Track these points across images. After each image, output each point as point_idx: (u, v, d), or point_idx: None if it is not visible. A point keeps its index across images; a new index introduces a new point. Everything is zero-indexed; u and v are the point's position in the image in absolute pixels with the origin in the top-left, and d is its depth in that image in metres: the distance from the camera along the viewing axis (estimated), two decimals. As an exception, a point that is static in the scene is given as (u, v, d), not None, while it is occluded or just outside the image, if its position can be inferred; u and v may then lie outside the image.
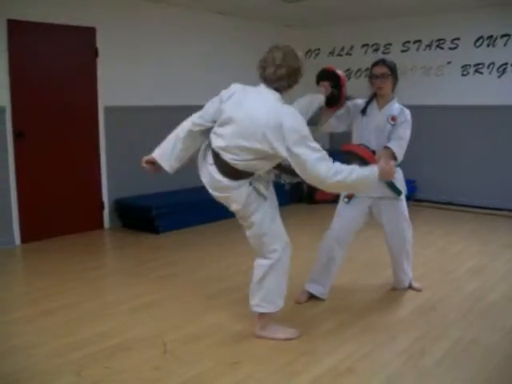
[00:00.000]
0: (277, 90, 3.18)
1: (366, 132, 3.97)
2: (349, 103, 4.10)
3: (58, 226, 6.13)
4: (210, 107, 3.34)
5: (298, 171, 3.09)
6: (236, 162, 3.15)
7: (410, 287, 4.39)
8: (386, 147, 3.87)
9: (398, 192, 3.99)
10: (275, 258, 3.36)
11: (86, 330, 3.63)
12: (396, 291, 4.37)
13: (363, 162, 3.68)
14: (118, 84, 6.53)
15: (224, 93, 3.28)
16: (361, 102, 4.10)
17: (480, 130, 7.43)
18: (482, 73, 7.40)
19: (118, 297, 4.31)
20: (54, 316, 3.88)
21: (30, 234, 5.89)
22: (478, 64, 7.41)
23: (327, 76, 3.94)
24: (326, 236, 4.13)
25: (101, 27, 6.30)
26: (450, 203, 7.66)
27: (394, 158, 3.84)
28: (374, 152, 3.81)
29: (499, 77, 7.25)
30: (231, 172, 3.19)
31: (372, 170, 3.23)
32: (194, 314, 3.90)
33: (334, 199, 7.98)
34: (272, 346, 3.38)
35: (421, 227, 5.81)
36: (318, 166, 3.04)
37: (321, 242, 4.16)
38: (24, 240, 5.85)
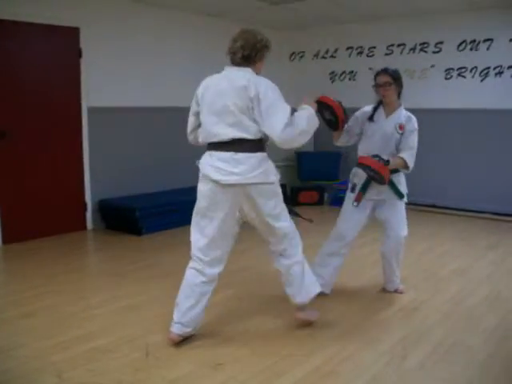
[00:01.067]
0: (235, 63, 3.36)
1: (373, 139, 4.10)
2: (357, 113, 4.25)
3: (40, 227, 6.08)
4: None
5: None
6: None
7: (396, 291, 4.43)
8: (399, 157, 4.04)
9: (400, 195, 4.16)
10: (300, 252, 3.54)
11: (68, 331, 3.60)
12: (379, 293, 4.39)
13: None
14: (101, 85, 6.49)
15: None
16: (368, 109, 4.23)
17: (464, 134, 7.49)
18: (464, 76, 7.46)
19: (101, 298, 4.27)
20: (36, 318, 3.84)
21: (11, 235, 5.83)
22: (461, 68, 7.47)
23: (322, 106, 3.92)
24: (332, 235, 4.30)
25: (85, 27, 6.26)
26: (433, 206, 7.70)
27: (406, 167, 4.07)
28: (388, 161, 3.92)
29: (482, 81, 7.32)
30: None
31: (308, 110, 3.33)
32: (177, 315, 3.88)
33: (317, 201, 8.13)
34: (255, 347, 3.37)
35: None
36: None
37: (326, 239, 4.31)
38: (5, 241, 5.79)
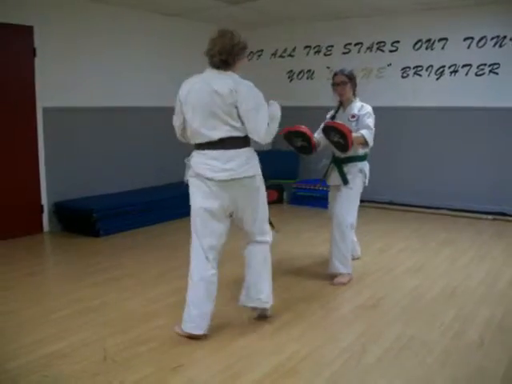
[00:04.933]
0: (214, 66, 3.45)
1: None
2: (327, 115, 4.84)
3: (-6, 230, 5.93)
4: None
5: None
6: None
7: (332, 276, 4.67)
8: (359, 133, 4.49)
9: (344, 181, 4.65)
10: None
11: (23, 337, 3.52)
12: (337, 290, 4.43)
13: (342, 135, 4.31)
14: (57, 85, 6.37)
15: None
16: (333, 111, 4.84)
17: (420, 131, 7.61)
18: (420, 75, 7.58)
19: (58, 302, 4.19)
20: (-11, 324, 3.75)
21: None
22: (417, 66, 7.59)
23: (292, 135, 4.53)
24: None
25: (39, 26, 6.14)
26: (391, 203, 7.80)
27: (366, 142, 4.52)
28: (350, 131, 4.35)
29: (437, 79, 7.45)
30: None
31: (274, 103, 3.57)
32: (135, 318, 3.84)
33: (276, 200, 8.14)
34: (214, 348, 3.36)
35: (362, 226, 5.89)
36: None
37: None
38: (-42, 246, 5.64)
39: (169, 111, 7.63)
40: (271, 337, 3.54)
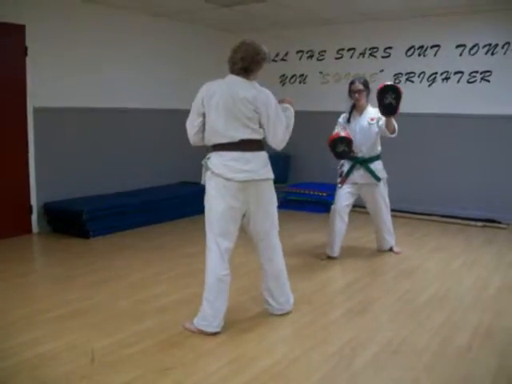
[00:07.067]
0: (236, 73, 3.61)
1: (354, 133, 5.20)
2: (340, 120, 5.39)
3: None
4: None
5: None
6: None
7: (391, 250, 5.65)
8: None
9: (377, 178, 5.30)
10: None
11: (11, 339, 3.48)
12: (328, 295, 4.44)
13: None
14: (48, 85, 6.34)
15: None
16: (344, 114, 5.39)
17: (411, 137, 7.60)
18: (413, 81, 7.61)
19: (46, 304, 4.14)
20: (-23, 325, 3.71)
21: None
22: (410, 73, 7.62)
23: (340, 141, 5.06)
24: (331, 210, 5.42)
25: (31, 25, 6.11)
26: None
27: (395, 129, 5.18)
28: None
29: (429, 86, 7.47)
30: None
31: (291, 109, 3.82)
32: (124, 320, 3.81)
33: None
34: (202, 352, 3.33)
35: (355, 231, 5.90)
36: None
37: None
38: None
39: (159, 113, 7.70)
40: (260, 340, 3.52)
